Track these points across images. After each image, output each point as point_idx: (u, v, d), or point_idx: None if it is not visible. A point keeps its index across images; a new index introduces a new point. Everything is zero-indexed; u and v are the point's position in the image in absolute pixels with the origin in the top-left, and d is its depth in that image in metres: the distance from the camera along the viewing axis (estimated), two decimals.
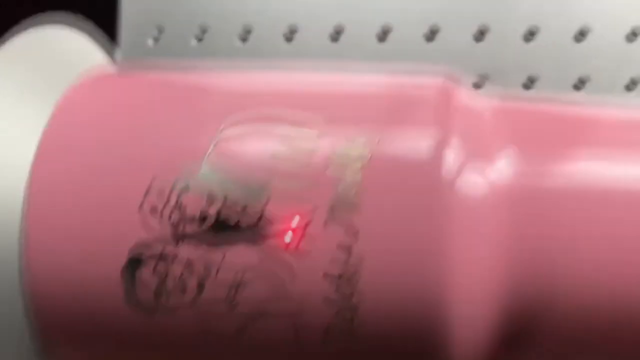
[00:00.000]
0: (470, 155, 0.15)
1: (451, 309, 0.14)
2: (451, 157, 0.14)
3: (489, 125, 0.16)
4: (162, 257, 0.14)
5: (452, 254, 0.14)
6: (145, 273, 0.14)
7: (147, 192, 0.14)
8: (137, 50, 0.28)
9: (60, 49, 0.18)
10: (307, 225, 0.14)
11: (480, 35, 0.28)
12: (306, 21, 0.28)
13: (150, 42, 0.29)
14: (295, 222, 0.14)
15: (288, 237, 0.14)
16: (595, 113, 0.17)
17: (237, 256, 0.14)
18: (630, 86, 0.28)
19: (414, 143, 0.15)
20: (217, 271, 0.14)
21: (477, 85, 0.27)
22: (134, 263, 0.14)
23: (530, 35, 0.29)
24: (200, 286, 0.14)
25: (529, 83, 0.28)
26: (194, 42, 0.28)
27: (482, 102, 0.16)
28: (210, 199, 0.14)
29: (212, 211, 0.14)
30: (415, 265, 0.14)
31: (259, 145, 0.15)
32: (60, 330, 0.15)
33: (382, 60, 0.28)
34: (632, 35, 0.28)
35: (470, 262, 0.14)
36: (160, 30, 0.28)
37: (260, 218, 0.14)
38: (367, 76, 0.17)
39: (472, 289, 0.14)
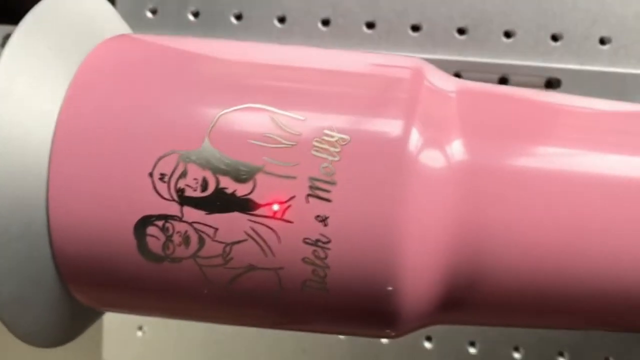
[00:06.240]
0: (431, 135, 0.17)
1: (403, 268, 0.17)
2: (415, 137, 0.17)
3: (452, 106, 0.18)
4: (168, 217, 0.17)
5: (407, 222, 0.17)
6: (155, 229, 0.17)
7: (156, 161, 0.17)
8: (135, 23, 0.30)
9: (86, 10, 0.20)
10: (291, 198, 0.17)
11: (460, 33, 0.31)
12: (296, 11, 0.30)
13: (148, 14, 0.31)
14: (282, 195, 0.17)
15: (275, 207, 0.17)
16: (547, 102, 0.19)
17: (232, 221, 0.17)
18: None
19: (386, 126, 0.17)
20: (215, 232, 0.17)
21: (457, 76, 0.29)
22: (145, 220, 0.17)
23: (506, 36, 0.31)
24: (201, 243, 0.17)
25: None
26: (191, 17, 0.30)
27: (449, 83, 0.19)
28: (211, 171, 0.17)
29: (212, 182, 0.17)
30: (376, 233, 0.17)
31: (252, 127, 0.17)
32: (84, 275, 0.18)
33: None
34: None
35: (423, 225, 0.17)
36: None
37: (252, 190, 0.17)
38: (348, 55, 0.19)
39: (422, 248, 0.17)
